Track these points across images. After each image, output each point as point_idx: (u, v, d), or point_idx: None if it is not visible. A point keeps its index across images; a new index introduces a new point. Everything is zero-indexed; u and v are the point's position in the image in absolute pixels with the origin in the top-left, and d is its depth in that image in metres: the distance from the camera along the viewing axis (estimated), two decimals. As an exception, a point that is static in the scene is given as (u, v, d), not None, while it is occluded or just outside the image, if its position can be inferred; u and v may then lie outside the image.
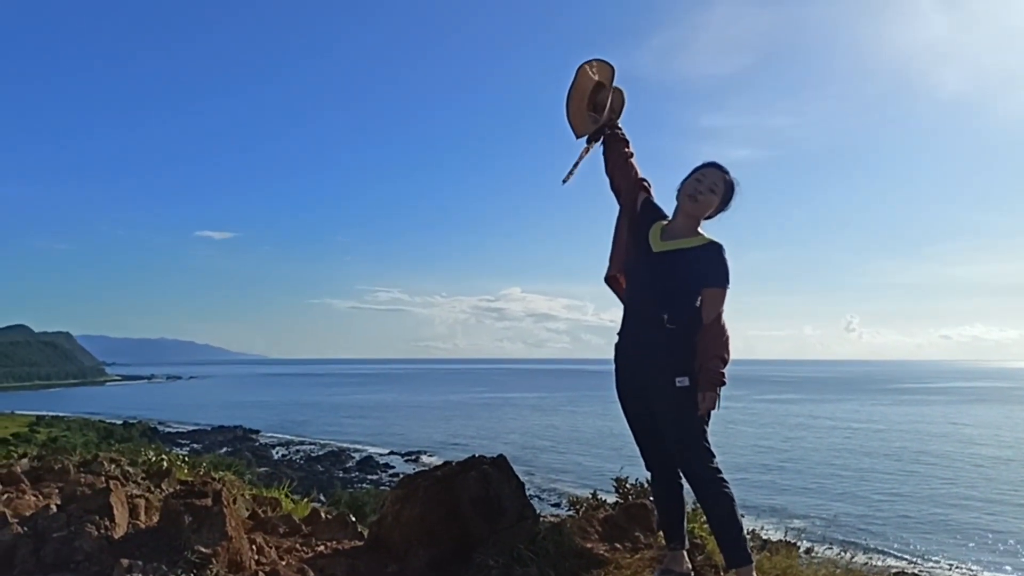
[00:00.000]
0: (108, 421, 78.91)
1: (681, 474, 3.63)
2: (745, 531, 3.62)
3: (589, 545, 3.85)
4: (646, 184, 3.93)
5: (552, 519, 3.62)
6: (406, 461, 55.38)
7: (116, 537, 2.77)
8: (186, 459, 9.15)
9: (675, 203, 3.74)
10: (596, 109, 4.13)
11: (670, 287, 3.58)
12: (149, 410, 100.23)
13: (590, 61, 4.16)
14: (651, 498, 5.13)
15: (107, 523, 2.77)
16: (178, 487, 3.21)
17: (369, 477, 49.69)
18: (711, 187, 3.65)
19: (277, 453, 61.96)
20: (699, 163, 3.78)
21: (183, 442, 66.64)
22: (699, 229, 3.70)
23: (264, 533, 3.41)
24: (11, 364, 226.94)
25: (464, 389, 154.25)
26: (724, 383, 3.47)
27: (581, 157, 4.12)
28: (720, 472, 3.52)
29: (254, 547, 2.96)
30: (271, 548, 3.13)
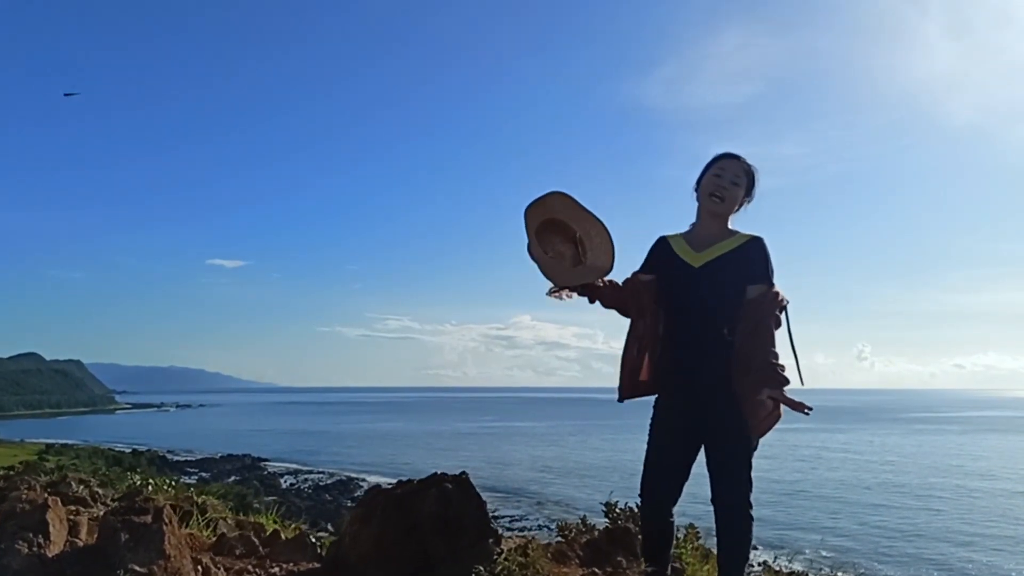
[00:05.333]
0: (117, 449, 78.78)
1: (718, 505, 3.40)
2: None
3: (565, 569, 3.72)
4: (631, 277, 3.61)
5: (518, 540, 3.47)
6: (414, 490, 55.09)
7: (50, 555, 2.64)
8: (174, 484, 9.05)
9: (696, 204, 3.57)
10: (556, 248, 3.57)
11: (724, 298, 3.36)
12: (159, 438, 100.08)
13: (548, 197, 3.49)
14: (638, 524, 4.99)
15: (41, 540, 2.64)
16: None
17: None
18: (733, 180, 3.47)
19: (285, 482, 61.78)
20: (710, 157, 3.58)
21: (192, 470, 66.56)
22: (729, 225, 3.53)
23: (219, 554, 3.29)
24: (22, 392, 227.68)
25: (474, 418, 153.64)
26: (787, 381, 3.26)
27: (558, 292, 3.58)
28: (752, 508, 3.40)
29: (199, 567, 2.82)
30: (219, 569, 3.00)
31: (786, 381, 3.28)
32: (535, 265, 3.48)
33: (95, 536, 2.87)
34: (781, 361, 3.32)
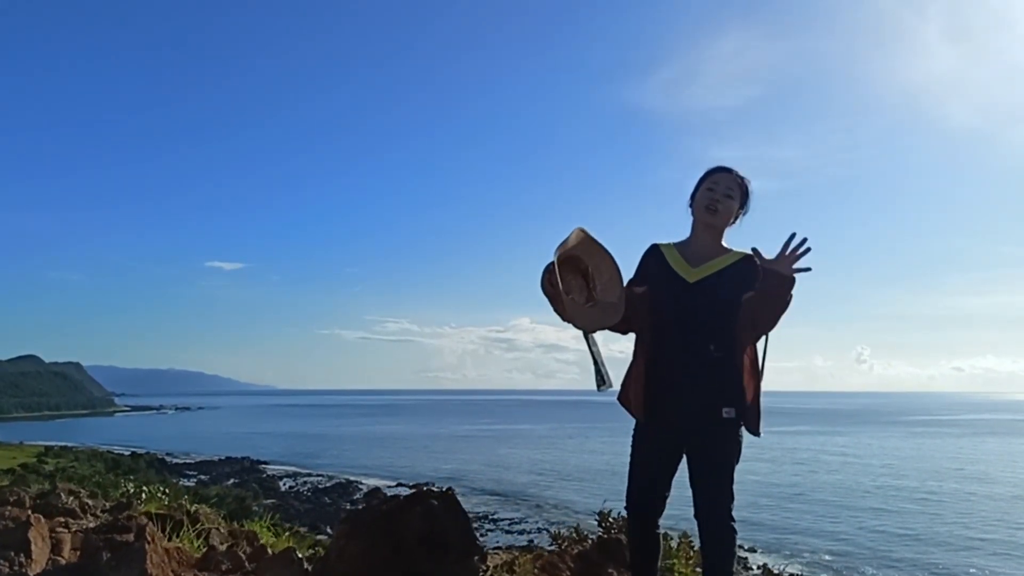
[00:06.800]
0: (116, 452, 78.76)
1: (702, 519, 3.37)
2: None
3: (554, 583, 3.71)
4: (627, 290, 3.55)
5: (504, 555, 3.45)
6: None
7: (31, 574, 2.63)
8: (166, 492, 9.04)
9: (690, 219, 3.57)
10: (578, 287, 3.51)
11: (715, 315, 3.35)
12: (157, 441, 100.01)
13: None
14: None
15: (23, 559, 2.62)
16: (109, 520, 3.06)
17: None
18: (727, 192, 3.45)
19: (284, 484, 61.70)
20: (703, 171, 3.57)
21: (190, 473, 66.65)
22: (725, 240, 3.53)
23: (205, 569, 3.27)
24: (21, 394, 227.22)
25: (473, 420, 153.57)
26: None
27: (594, 353, 3.52)
28: (736, 522, 3.38)
29: (183, 585, 2.81)
30: (203, 586, 2.98)
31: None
32: (548, 300, 3.38)
33: (78, 554, 2.85)
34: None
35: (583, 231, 3.43)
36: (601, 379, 3.50)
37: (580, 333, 3.46)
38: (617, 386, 3.53)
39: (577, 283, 3.46)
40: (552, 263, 3.27)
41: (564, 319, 3.37)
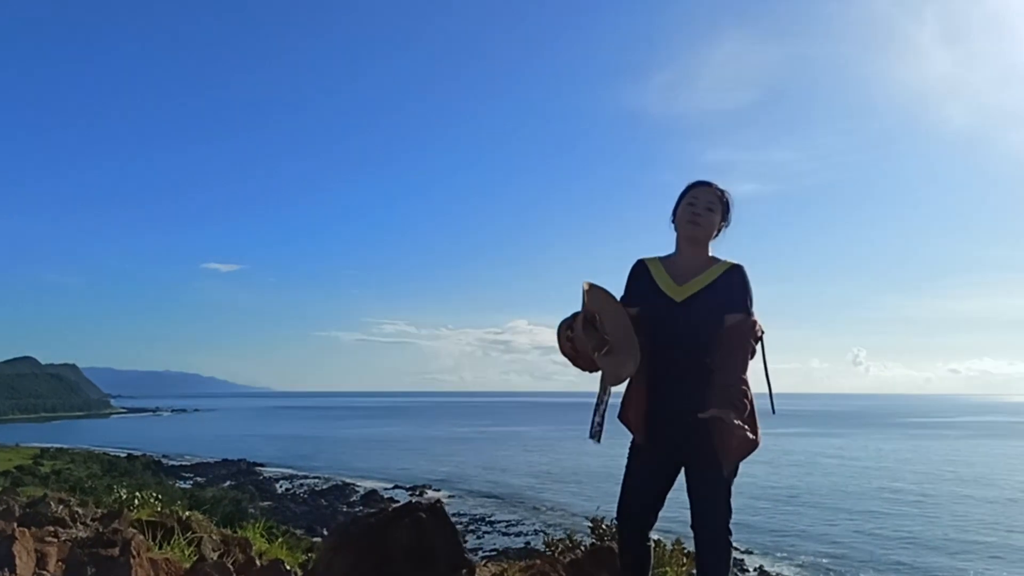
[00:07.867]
0: (112, 454, 78.78)
1: (698, 531, 3.36)
2: None
3: (545, 593, 3.69)
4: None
5: (493, 567, 3.43)
6: (410, 495, 54.83)
7: (15, 589, 2.61)
8: (159, 497, 9.01)
9: (674, 235, 3.55)
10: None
11: (706, 329, 3.33)
12: (154, 443, 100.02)
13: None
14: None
15: (7, 574, 2.61)
16: (97, 531, 3.04)
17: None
18: (708, 206, 3.45)
19: (281, 487, 61.68)
20: (684, 187, 3.56)
21: (187, 475, 66.65)
22: (710, 253, 3.51)
23: (192, 583, 3.25)
24: (17, 396, 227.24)
25: (470, 422, 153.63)
26: (744, 407, 3.22)
27: (603, 403, 3.53)
28: (732, 535, 3.39)
29: (169, 599, 2.79)
30: (190, 600, 2.96)
31: (743, 407, 3.25)
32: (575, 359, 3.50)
33: (64, 567, 2.83)
34: (749, 389, 3.31)
35: (587, 283, 3.45)
36: (592, 429, 3.54)
37: (598, 374, 3.48)
38: (603, 442, 3.53)
39: (587, 330, 3.46)
40: (571, 325, 3.33)
41: (590, 372, 3.43)
